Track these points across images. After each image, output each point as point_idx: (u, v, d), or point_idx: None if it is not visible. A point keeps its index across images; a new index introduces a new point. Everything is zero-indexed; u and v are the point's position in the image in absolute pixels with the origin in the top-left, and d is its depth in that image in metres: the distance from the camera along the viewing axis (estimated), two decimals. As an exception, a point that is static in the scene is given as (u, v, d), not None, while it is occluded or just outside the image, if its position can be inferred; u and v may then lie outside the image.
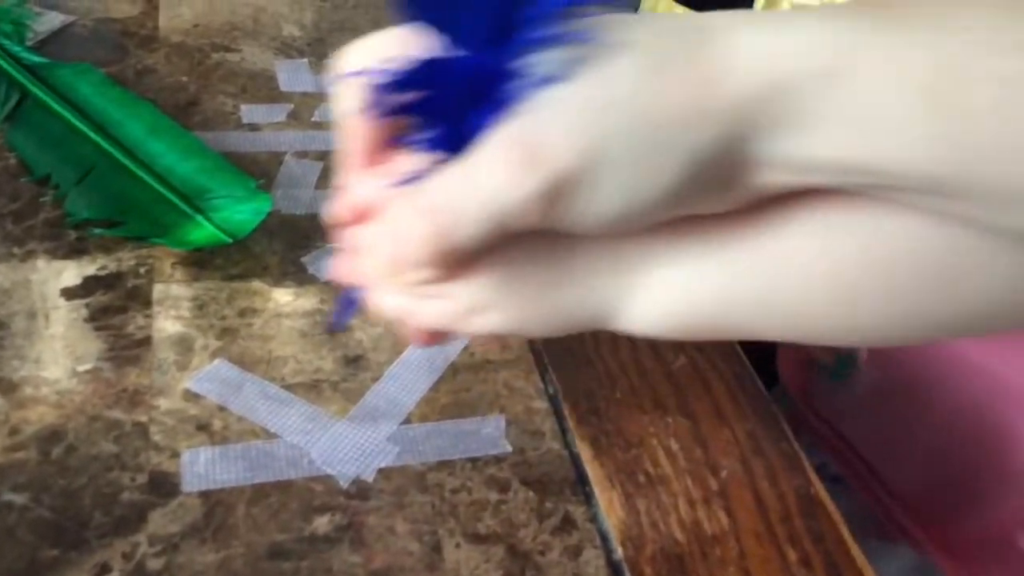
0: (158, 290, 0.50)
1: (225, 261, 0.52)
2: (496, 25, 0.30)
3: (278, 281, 0.51)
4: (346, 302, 0.42)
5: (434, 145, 0.32)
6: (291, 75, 0.68)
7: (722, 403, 0.48)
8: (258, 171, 0.58)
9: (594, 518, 0.42)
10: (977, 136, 0.28)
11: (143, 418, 0.43)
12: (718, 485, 0.44)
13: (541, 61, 0.30)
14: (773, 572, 0.40)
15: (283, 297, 0.50)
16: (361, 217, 0.34)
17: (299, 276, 0.52)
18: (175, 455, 0.42)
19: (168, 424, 0.43)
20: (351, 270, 0.36)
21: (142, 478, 0.41)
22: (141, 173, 0.55)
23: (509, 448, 0.44)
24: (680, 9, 0.99)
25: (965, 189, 0.29)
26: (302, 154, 0.61)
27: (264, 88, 0.67)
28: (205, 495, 0.40)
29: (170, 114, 0.61)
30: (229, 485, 0.41)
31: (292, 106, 0.65)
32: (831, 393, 0.69)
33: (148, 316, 0.48)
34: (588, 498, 0.43)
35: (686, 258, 0.35)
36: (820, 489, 0.44)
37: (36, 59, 0.63)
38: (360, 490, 0.41)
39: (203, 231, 0.51)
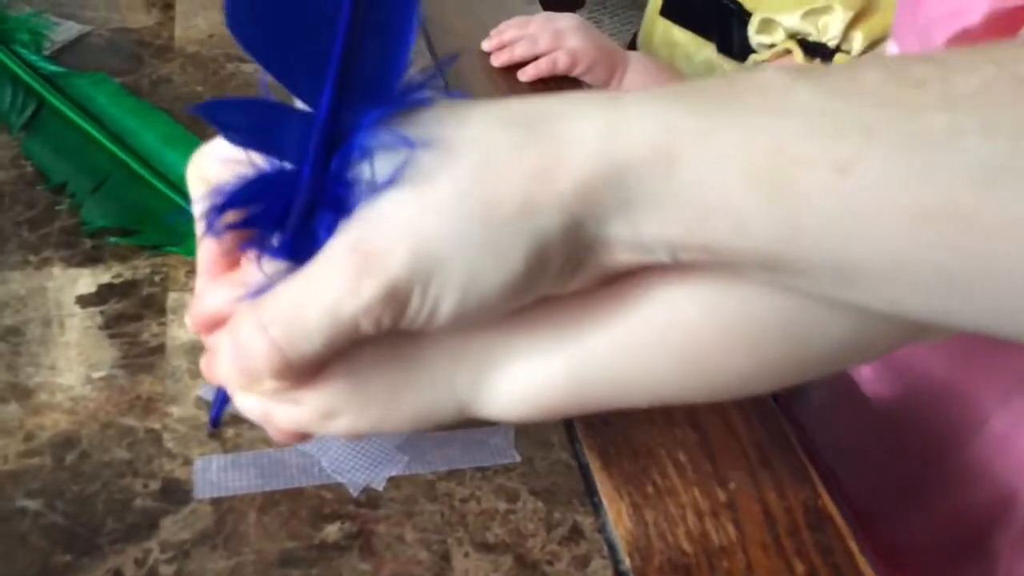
0: (172, 298, 0.50)
1: (238, 270, 0.52)
2: (322, 139, 0.30)
3: (290, 290, 0.52)
4: (219, 399, 0.43)
5: (279, 252, 0.32)
6: (304, 85, 0.69)
7: (731, 415, 0.48)
8: (271, 181, 0.59)
9: (602, 528, 0.42)
10: (812, 218, 0.28)
11: (156, 425, 0.44)
12: (726, 497, 0.44)
13: (370, 168, 0.29)
14: (780, 584, 0.41)
15: (295, 306, 0.51)
16: (215, 325, 0.35)
17: (311, 285, 0.52)
18: (187, 462, 0.42)
19: (181, 431, 0.44)
20: (211, 372, 0.36)
21: (155, 485, 0.41)
22: (156, 182, 0.55)
23: (518, 458, 0.45)
24: (678, 32, 0.99)
25: (802, 268, 0.29)
26: (315, 164, 0.61)
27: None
28: (217, 502, 0.41)
29: (185, 124, 0.61)
30: (240, 492, 0.41)
31: (305, 116, 0.66)
32: (796, 404, 0.70)
33: (162, 324, 0.49)
34: (596, 508, 0.43)
35: (536, 341, 0.35)
36: (828, 502, 0.44)
37: (53, 68, 0.64)
38: (370, 498, 0.42)
39: (217, 240, 0.51)
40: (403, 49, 0.30)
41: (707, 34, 0.95)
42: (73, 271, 0.51)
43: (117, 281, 0.51)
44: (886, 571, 0.63)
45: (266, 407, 0.35)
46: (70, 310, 0.49)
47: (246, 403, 0.36)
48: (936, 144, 0.26)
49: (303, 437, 0.38)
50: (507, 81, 0.76)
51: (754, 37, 0.85)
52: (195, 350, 0.47)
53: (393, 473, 0.43)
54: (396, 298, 0.30)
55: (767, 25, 0.84)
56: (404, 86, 0.30)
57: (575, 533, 0.42)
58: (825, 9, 0.80)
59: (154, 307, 0.49)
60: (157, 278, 0.51)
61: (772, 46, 0.83)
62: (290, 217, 0.31)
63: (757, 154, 0.28)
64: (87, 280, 0.50)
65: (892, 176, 0.26)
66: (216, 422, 0.45)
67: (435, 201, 0.29)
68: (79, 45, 0.70)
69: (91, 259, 0.52)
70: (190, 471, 0.42)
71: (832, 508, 0.44)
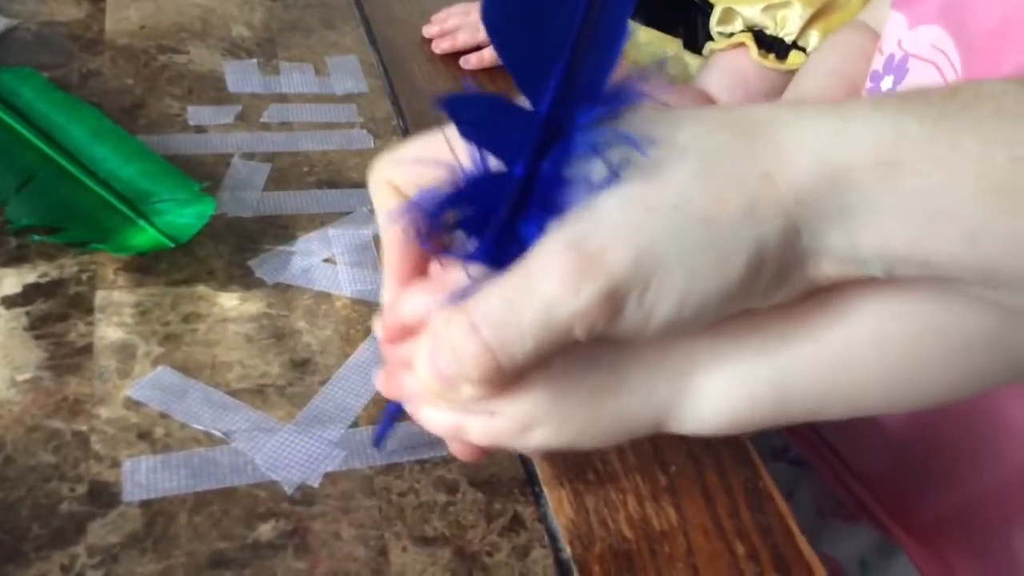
0: (100, 297, 0.49)
1: (169, 266, 0.51)
2: (540, 136, 0.29)
3: (224, 285, 0.50)
4: (389, 417, 0.42)
5: (480, 257, 0.31)
6: (239, 76, 0.68)
7: (672, 399, 0.48)
8: (204, 174, 0.57)
9: (543, 517, 0.42)
10: None
11: (83, 427, 0.42)
12: (667, 481, 0.44)
13: (589, 167, 0.29)
14: (721, 567, 0.40)
15: (228, 302, 0.50)
16: (407, 333, 0.34)
17: (245, 280, 0.51)
18: (115, 464, 0.41)
19: (109, 433, 0.42)
20: (396, 386, 0.35)
21: (82, 488, 0.40)
22: (83, 178, 0.54)
23: (457, 449, 0.44)
24: (643, 32, 0.99)
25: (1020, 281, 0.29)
26: (249, 155, 0.60)
27: (212, 90, 0.66)
28: (146, 504, 0.40)
29: (115, 118, 0.60)
30: (171, 494, 0.40)
31: (240, 107, 0.64)
32: None
33: (90, 323, 0.47)
34: (537, 497, 0.43)
35: (742, 354, 0.34)
36: (768, 483, 0.44)
37: (-24, 64, 0.62)
38: (305, 496, 0.41)
39: (145, 236, 0.50)
40: (616, 53, 0.30)
41: (672, 31, 0.95)
42: (-3, 271, 0.49)
43: (43, 280, 0.49)
44: (915, 546, 0.63)
45: (459, 420, 0.34)
46: (-6, 312, 0.47)
47: (435, 416, 0.35)
48: None
49: (488, 452, 0.36)
50: (450, 69, 0.75)
51: (715, 28, 0.85)
52: (124, 349, 0.46)
53: (329, 469, 0.42)
54: (614, 301, 0.29)
55: (728, 15, 0.84)
56: (616, 88, 0.29)
57: (515, 523, 0.41)
58: (784, 4, 0.80)
59: (81, 306, 0.48)
60: (84, 276, 0.50)
61: (731, 35, 0.83)
62: (495, 219, 0.30)
63: (992, 164, 0.27)
64: (12, 280, 0.49)
65: None
66: (381, 440, 0.43)
67: (657, 201, 0.28)
68: (6, 39, 0.68)
69: (16, 258, 0.50)
70: (118, 473, 0.41)
71: (772, 488, 0.44)
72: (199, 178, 0.55)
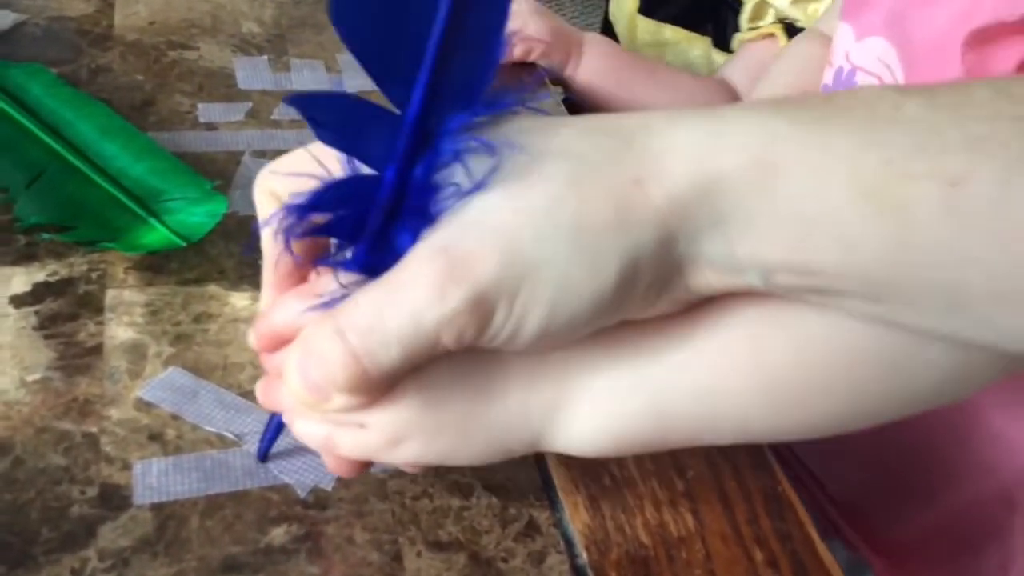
0: (110, 296, 0.48)
1: (180, 265, 0.50)
2: (408, 141, 0.29)
3: (235, 285, 0.50)
4: (274, 429, 0.41)
5: (353, 264, 0.31)
6: (249, 73, 0.67)
7: (688, 402, 0.47)
8: (215, 171, 0.57)
9: (558, 523, 0.41)
10: (923, 235, 0.26)
11: (93, 429, 0.42)
12: (684, 486, 0.43)
13: (460, 172, 0.28)
14: (739, 573, 0.40)
15: (240, 301, 0.49)
16: (281, 342, 0.33)
17: (256, 279, 0.50)
18: (126, 467, 0.41)
19: (119, 435, 0.42)
20: (273, 397, 0.35)
21: (92, 491, 0.39)
22: (93, 176, 0.53)
23: (472, 452, 0.43)
24: (669, 31, 0.98)
25: (909, 294, 0.28)
26: (260, 153, 0.60)
27: (222, 86, 0.65)
28: (157, 507, 0.39)
29: (125, 114, 0.59)
30: (182, 497, 0.40)
31: (251, 104, 0.64)
32: None
33: (100, 323, 0.47)
34: (553, 503, 0.42)
35: (618, 369, 0.33)
36: (787, 488, 0.44)
37: (-15, 59, 0.62)
38: (318, 499, 0.40)
39: (156, 234, 0.49)
40: (493, 60, 0.29)
41: (700, 29, 0.95)
42: (6, 270, 0.49)
43: (53, 279, 0.49)
44: (883, 566, 0.62)
45: (329, 432, 0.33)
46: (3, 310, 0.47)
47: (307, 428, 0.34)
48: None
49: (363, 467, 0.36)
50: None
51: (745, 24, 0.86)
52: (134, 349, 0.46)
53: (342, 472, 0.42)
54: (483, 307, 0.28)
55: (759, 10, 0.85)
56: (490, 96, 0.29)
57: (531, 528, 0.41)
58: None
59: (91, 306, 0.48)
60: (94, 275, 0.49)
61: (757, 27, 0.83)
62: (368, 226, 0.30)
63: (865, 168, 0.26)
64: (21, 279, 0.48)
65: (1007, 191, 0.25)
66: (264, 454, 0.42)
67: (528, 207, 0.28)
68: (15, 34, 0.68)
69: (26, 257, 0.50)
70: (129, 476, 0.40)
71: (792, 494, 0.43)
72: (210, 176, 0.55)
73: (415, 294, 0.28)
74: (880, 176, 0.26)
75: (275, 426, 0.41)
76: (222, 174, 0.57)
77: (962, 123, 0.26)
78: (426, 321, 0.28)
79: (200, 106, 0.63)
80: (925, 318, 0.29)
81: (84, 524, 0.38)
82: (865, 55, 0.56)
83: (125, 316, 0.47)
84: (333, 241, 0.32)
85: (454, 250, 0.28)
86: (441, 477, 0.42)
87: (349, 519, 0.40)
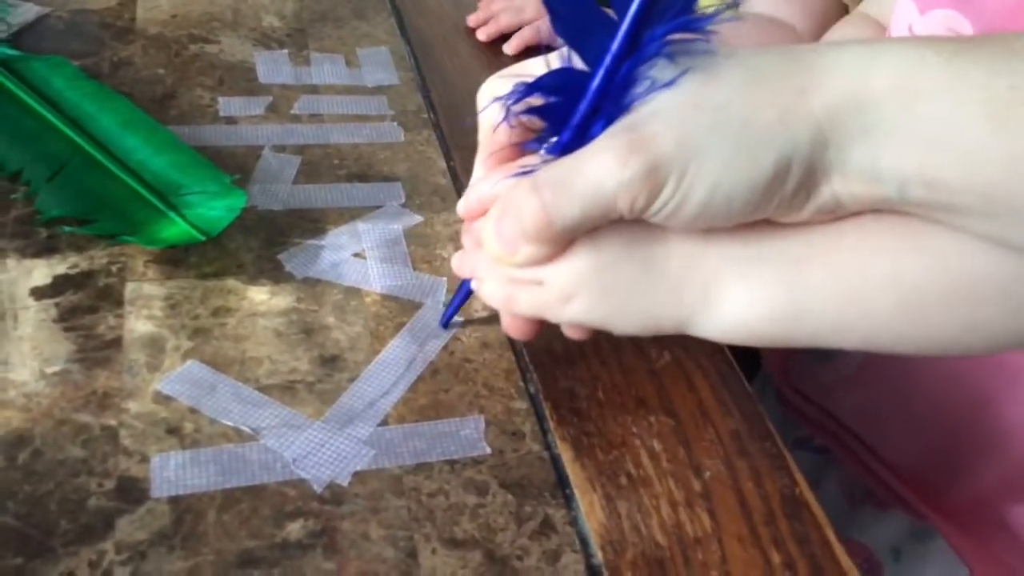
0: (130, 289, 0.48)
1: (199, 259, 0.51)
2: (621, 43, 0.35)
3: (253, 279, 0.50)
4: (461, 296, 0.48)
5: (557, 148, 0.37)
6: (270, 67, 0.67)
7: (706, 402, 0.47)
8: (235, 165, 0.57)
9: (574, 521, 0.41)
10: None
11: (112, 422, 0.42)
12: (701, 486, 0.43)
13: (656, 71, 0.34)
14: (756, 576, 0.39)
15: (258, 295, 0.49)
16: (482, 212, 0.39)
17: (275, 274, 0.51)
18: (144, 459, 0.41)
19: (138, 428, 0.42)
20: (467, 263, 0.43)
21: (110, 484, 0.40)
22: (114, 169, 0.54)
23: (488, 450, 0.43)
24: None
25: (1016, 208, 0.31)
26: (280, 148, 0.60)
27: (242, 80, 0.66)
28: (175, 501, 0.39)
29: (146, 107, 0.60)
30: (199, 490, 0.40)
31: (271, 99, 0.64)
32: (816, 372, 0.69)
33: (119, 316, 0.47)
34: (568, 501, 0.42)
35: (768, 265, 0.37)
36: (805, 490, 0.43)
37: (9, 52, 0.62)
38: (334, 495, 0.40)
39: (176, 228, 0.50)
40: None
41: None
42: (28, 262, 0.49)
43: (73, 272, 0.49)
44: (949, 527, 0.62)
45: (511, 291, 0.40)
46: (24, 303, 0.47)
47: (492, 289, 0.41)
48: None
49: (535, 330, 0.42)
50: (486, 56, 0.75)
51: None
52: (153, 343, 0.46)
53: (359, 468, 0.42)
54: (655, 179, 0.33)
55: None
56: (691, 16, 0.35)
57: (546, 527, 0.41)
58: None
59: (111, 298, 0.48)
60: (114, 268, 0.49)
61: None
62: (575, 115, 0.36)
63: (993, 92, 0.30)
64: (42, 271, 0.49)
65: None
66: (448, 320, 0.49)
67: (706, 101, 0.33)
68: (37, 27, 0.68)
69: (47, 249, 0.50)
70: (147, 469, 0.40)
71: (809, 496, 0.43)
72: (229, 170, 0.55)
73: (601, 161, 0.34)
74: (1005, 100, 0.30)
75: (464, 292, 0.47)
76: (241, 168, 0.57)
77: None
78: (607, 185, 0.34)
79: (220, 100, 0.63)
80: None
81: (102, 516, 0.38)
82: (932, 27, 0.56)
83: (144, 309, 0.47)
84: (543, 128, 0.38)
85: (638, 130, 0.33)
86: (457, 474, 0.42)
87: (364, 515, 0.40)
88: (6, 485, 0.39)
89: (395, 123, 0.64)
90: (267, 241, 0.53)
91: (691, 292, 0.38)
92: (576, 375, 0.48)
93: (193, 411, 0.43)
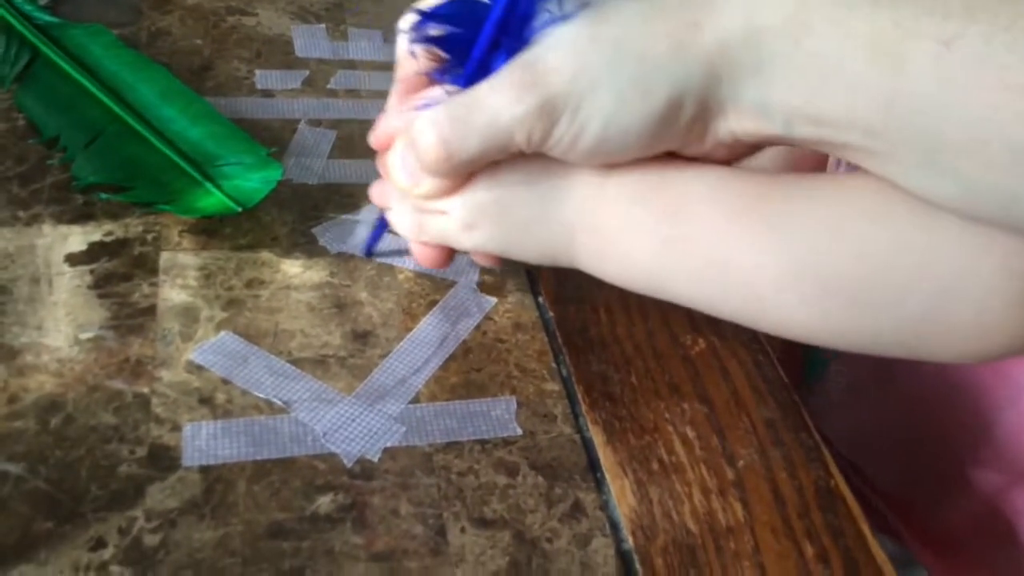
0: (165, 258, 0.48)
1: (234, 230, 0.50)
2: None
3: (287, 252, 0.50)
4: (380, 226, 0.49)
5: (461, 80, 0.38)
6: (307, 41, 0.67)
7: (741, 390, 0.46)
8: (271, 138, 0.57)
9: (605, 506, 0.41)
10: (914, 85, 0.30)
11: (145, 389, 0.42)
12: (734, 475, 0.42)
13: (554, 5, 0.35)
14: (789, 568, 0.39)
15: (292, 269, 0.49)
16: (391, 143, 0.41)
17: (309, 248, 0.50)
18: (176, 428, 0.41)
19: (170, 396, 0.42)
20: (381, 192, 0.44)
21: (141, 451, 0.40)
22: (151, 138, 0.53)
23: (519, 431, 0.43)
24: None
25: (896, 141, 0.32)
26: (316, 122, 0.59)
27: (279, 53, 0.65)
28: (205, 470, 0.39)
29: (183, 78, 0.59)
30: (231, 461, 0.40)
31: (308, 72, 0.64)
32: (808, 398, 0.69)
33: (154, 285, 0.47)
34: (599, 485, 0.41)
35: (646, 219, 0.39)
36: (840, 482, 0.43)
37: (48, 19, 0.62)
38: (364, 470, 0.40)
39: (212, 199, 0.49)
40: None
41: None
42: (64, 228, 0.49)
43: (108, 239, 0.49)
44: (932, 559, 0.61)
45: (419, 219, 0.42)
46: (59, 268, 0.47)
47: (402, 218, 0.43)
48: None
49: (445, 258, 0.44)
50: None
51: None
52: (187, 312, 0.46)
53: (389, 444, 0.41)
54: (551, 112, 0.34)
55: None
56: None
57: (576, 510, 0.40)
58: None
59: (146, 267, 0.48)
60: (150, 237, 0.49)
61: None
62: (476, 47, 0.37)
63: (878, 27, 0.31)
64: (77, 238, 0.49)
65: (987, 50, 0.29)
66: (370, 249, 0.50)
67: (602, 35, 0.34)
68: (77, -4, 0.68)
69: (82, 216, 0.50)
70: (179, 437, 0.40)
71: (844, 489, 0.42)
72: (265, 143, 0.55)
73: (498, 95, 0.35)
74: (888, 34, 0.30)
75: (380, 222, 0.48)
76: (277, 141, 0.57)
77: None
78: (503, 119, 0.35)
79: (258, 72, 0.63)
80: (910, 173, 0.33)
81: (132, 484, 0.38)
82: None
83: (179, 279, 0.47)
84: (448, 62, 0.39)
85: (535, 64, 0.34)
86: (488, 454, 0.42)
87: (394, 491, 0.40)
88: (38, 450, 0.39)
89: (431, 101, 0.64)
90: (301, 215, 0.52)
91: (582, 235, 0.40)
92: (609, 359, 0.47)
93: (225, 382, 0.43)
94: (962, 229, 0.34)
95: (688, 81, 0.34)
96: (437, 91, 0.39)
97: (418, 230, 0.43)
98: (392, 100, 0.42)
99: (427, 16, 0.37)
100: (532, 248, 0.42)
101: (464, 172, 0.39)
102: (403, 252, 0.50)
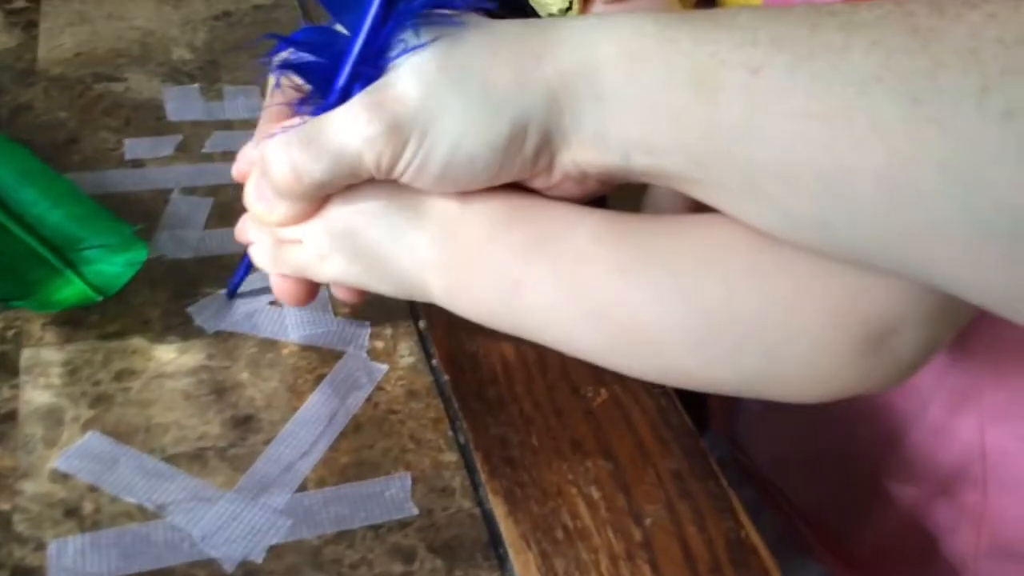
0: (26, 356, 0.45)
1: (101, 317, 0.47)
2: (379, 16, 0.37)
3: (160, 336, 0.47)
4: (243, 266, 0.48)
5: (322, 111, 0.38)
6: (180, 103, 0.64)
7: (646, 441, 0.45)
8: (141, 212, 0.54)
9: (508, 584, 0.38)
10: (728, 113, 0.31)
11: (6, 506, 0.39)
12: (642, 536, 0.40)
13: (408, 37, 0.36)
14: (703, 632, 0.37)
15: (165, 355, 0.46)
16: (247, 176, 0.42)
17: (184, 329, 0.47)
18: (40, 547, 0.38)
19: (33, 511, 0.39)
20: (241, 228, 0.44)
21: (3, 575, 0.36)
22: (9, 225, 0.50)
23: (415, 511, 0.41)
24: None
25: (720, 172, 0.33)
26: (190, 190, 0.56)
27: (150, 119, 0.62)
28: (72, 593, 0.36)
29: (47, 154, 0.56)
30: (100, 579, 0.37)
31: (181, 137, 0.61)
32: (732, 419, 0.68)
33: (15, 387, 0.44)
34: (502, 562, 0.39)
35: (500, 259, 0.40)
36: (751, 532, 0.41)
37: None
38: (247, 573, 0.37)
39: (71, 288, 0.46)
40: None
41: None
42: (-86, 332, 0.45)
43: (-37, 340, 0.45)
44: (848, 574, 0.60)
45: (275, 250, 0.42)
46: (-92, 378, 0.43)
47: (259, 251, 0.43)
48: (828, 56, 0.30)
49: (306, 294, 0.44)
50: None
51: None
52: (51, 414, 0.43)
53: (274, 541, 0.39)
54: (398, 136, 0.35)
55: None
56: None
57: (478, 593, 0.38)
58: None
59: (6, 368, 0.44)
60: (10, 334, 0.46)
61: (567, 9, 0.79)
62: (336, 79, 0.38)
63: (698, 58, 0.32)
64: (-71, 342, 0.45)
65: (791, 79, 0.30)
66: (234, 291, 0.49)
67: (450, 64, 0.35)
68: (-68, 73, 0.64)
69: (-65, 317, 0.46)
70: (43, 557, 0.37)
71: (756, 539, 0.41)
72: (135, 217, 0.52)
73: (347, 119, 0.36)
74: (705, 65, 0.32)
75: (245, 261, 0.47)
76: (149, 214, 0.54)
77: (773, 26, 0.31)
78: (352, 142, 0.36)
79: (127, 142, 0.60)
80: (735, 201, 0.34)
81: (-9, 617, 0.35)
82: None
83: (42, 378, 0.44)
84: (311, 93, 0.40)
85: (384, 89, 0.36)
86: (382, 540, 0.39)
87: (281, 594, 0.37)
88: None
89: (314, 156, 0.61)
90: (176, 293, 0.49)
91: (435, 269, 0.41)
92: (508, 420, 0.45)
93: (93, 489, 0.40)
94: (793, 286, 0.35)
95: (531, 111, 0.35)
96: (296, 120, 0.39)
97: (276, 261, 0.42)
98: (258, 130, 0.42)
99: (287, 41, 0.38)
100: (387, 280, 0.42)
101: (316, 196, 0.39)
102: (266, 290, 0.48)
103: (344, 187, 0.39)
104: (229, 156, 0.59)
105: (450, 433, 0.44)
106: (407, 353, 0.48)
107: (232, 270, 0.51)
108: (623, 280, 0.38)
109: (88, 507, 0.39)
